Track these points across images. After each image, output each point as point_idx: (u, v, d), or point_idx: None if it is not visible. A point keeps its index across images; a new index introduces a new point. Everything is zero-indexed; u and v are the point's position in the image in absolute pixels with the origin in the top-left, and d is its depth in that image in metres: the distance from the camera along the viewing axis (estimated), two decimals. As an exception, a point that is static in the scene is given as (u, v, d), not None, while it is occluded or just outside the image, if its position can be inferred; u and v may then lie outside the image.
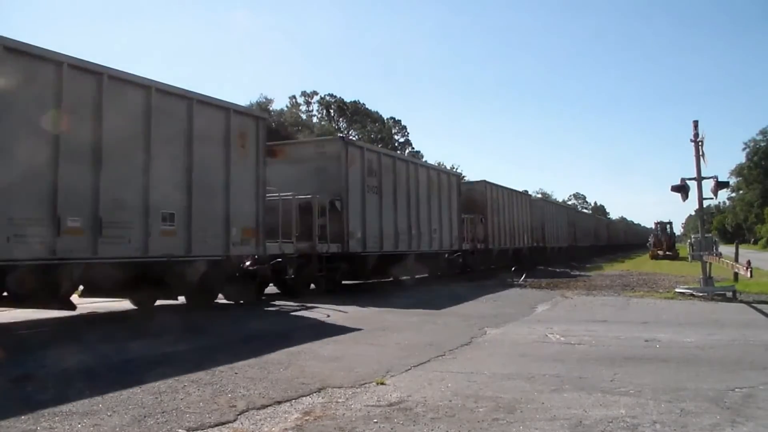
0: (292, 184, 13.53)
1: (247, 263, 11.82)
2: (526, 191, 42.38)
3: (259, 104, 56.25)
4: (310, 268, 13.40)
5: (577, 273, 23.71)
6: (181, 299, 11.03)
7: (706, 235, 14.68)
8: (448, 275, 19.81)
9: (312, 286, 14.02)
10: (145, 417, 4.24)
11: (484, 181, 24.24)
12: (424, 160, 57.08)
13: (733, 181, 79.51)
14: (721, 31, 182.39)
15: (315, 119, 66.52)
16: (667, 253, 40.05)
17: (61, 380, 5.35)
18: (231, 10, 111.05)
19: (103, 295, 10.72)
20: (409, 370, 5.89)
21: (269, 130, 16.16)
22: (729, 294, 12.99)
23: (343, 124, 67.53)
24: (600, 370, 5.83)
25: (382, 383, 5.27)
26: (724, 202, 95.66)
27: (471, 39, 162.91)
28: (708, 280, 13.74)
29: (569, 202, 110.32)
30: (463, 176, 27.38)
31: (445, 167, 33.40)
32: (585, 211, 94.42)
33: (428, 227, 18.58)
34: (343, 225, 14.16)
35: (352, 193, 14.63)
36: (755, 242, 74.10)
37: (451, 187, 20.85)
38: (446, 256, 20.31)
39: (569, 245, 38.30)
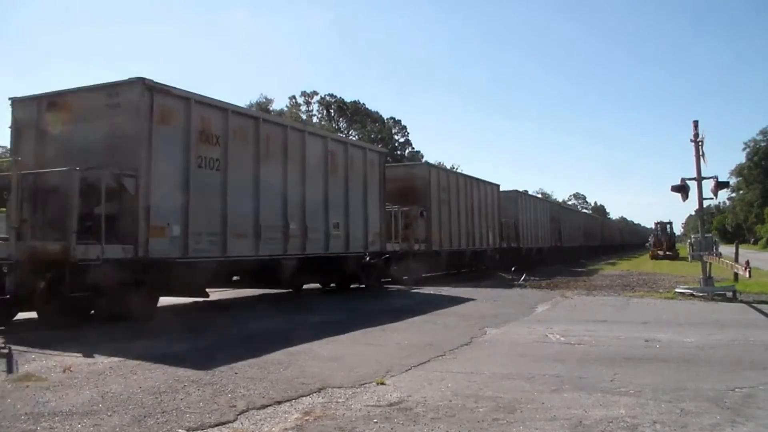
0: (78, 153, 9.30)
1: None
2: (526, 191, 41.84)
3: (259, 104, 56.33)
4: (66, 283, 8.31)
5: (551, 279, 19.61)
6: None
7: (706, 235, 14.68)
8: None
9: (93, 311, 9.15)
10: (145, 417, 4.24)
11: (426, 163, 20.91)
12: (424, 159, 56.82)
13: (733, 181, 79.61)
14: (721, 31, 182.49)
15: (315, 119, 66.54)
16: (667, 253, 40.07)
17: (61, 380, 5.35)
18: (230, 10, 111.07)
19: None
20: (409, 370, 5.89)
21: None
22: (729, 294, 13.00)
23: (343, 124, 67.60)
24: (600, 370, 5.83)
25: (382, 383, 5.27)
26: (724, 202, 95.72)
27: (471, 39, 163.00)
28: (708, 280, 13.74)
29: (569, 202, 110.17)
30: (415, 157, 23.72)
31: (349, 137, 24.51)
32: (585, 210, 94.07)
33: (324, 221, 13.43)
34: (138, 215, 9.20)
35: (161, 167, 9.59)
36: (755, 242, 74.10)
37: (371, 167, 15.48)
38: (367, 259, 15.37)
39: (552, 246, 33.49)
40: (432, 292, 15.35)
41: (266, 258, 11.75)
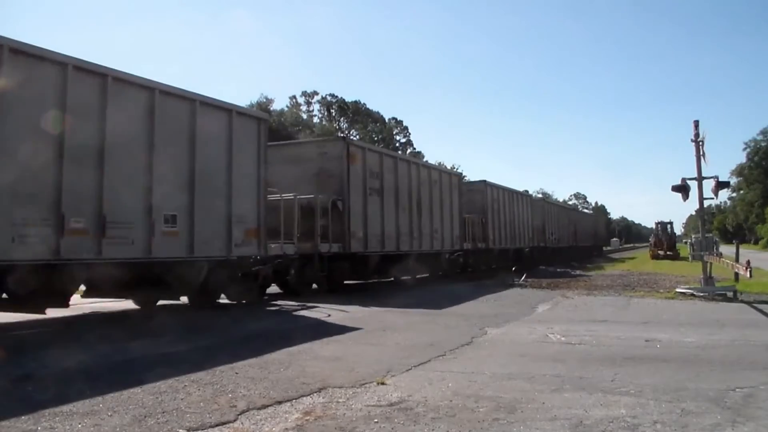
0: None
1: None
2: (527, 191, 41.65)
3: (259, 104, 56.29)
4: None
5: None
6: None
7: (707, 235, 14.66)
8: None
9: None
10: (145, 417, 4.24)
11: (343, 137, 19.25)
12: (424, 159, 56.93)
13: (733, 181, 79.53)
14: (721, 31, 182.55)
15: (316, 119, 66.52)
16: (668, 253, 40.06)
17: (61, 380, 5.35)
18: (231, 9, 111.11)
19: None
20: (409, 370, 5.89)
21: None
22: (730, 294, 12.98)
23: (344, 124, 67.56)
24: (600, 370, 5.83)
25: (383, 383, 5.27)
26: (725, 202, 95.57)
27: (472, 39, 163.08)
28: (708, 280, 13.73)
29: (570, 202, 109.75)
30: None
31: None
32: (586, 210, 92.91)
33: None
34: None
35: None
36: (756, 242, 74.04)
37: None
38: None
39: (535, 247, 28.83)
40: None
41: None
